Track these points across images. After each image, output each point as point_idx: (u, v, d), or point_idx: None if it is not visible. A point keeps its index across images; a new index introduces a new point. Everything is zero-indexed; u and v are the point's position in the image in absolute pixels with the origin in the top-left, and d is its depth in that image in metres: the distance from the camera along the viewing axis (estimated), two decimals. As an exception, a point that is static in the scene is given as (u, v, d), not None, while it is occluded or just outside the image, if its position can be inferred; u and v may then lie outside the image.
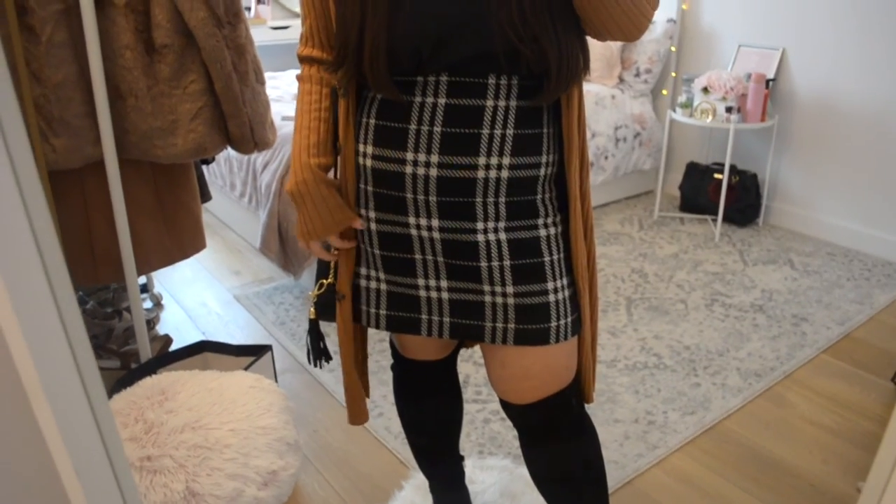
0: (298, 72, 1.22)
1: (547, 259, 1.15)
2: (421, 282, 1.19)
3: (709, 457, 1.99)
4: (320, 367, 1.40)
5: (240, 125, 1.84)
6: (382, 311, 1.24)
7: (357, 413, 1.40)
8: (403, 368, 1.49)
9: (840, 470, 1.94)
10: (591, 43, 1.09)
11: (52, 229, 0.66)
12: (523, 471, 1.89)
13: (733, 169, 3.62)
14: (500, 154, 1.08)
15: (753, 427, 2.12)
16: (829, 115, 3.39)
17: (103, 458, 0.76)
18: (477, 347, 1.68)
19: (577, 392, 1.29)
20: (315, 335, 1.39)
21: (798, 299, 2.90)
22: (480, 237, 1.12)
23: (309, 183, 1.17)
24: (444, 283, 1.18)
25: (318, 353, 1.39)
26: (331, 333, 1.40)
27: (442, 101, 1.07)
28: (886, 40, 3.11)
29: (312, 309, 1.35)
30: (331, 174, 1.24)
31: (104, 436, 0.76)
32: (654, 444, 2.03)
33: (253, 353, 1.98)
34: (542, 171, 1.14)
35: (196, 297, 2.99)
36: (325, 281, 1.32)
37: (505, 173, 1.09)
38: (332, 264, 1.30)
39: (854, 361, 2.47)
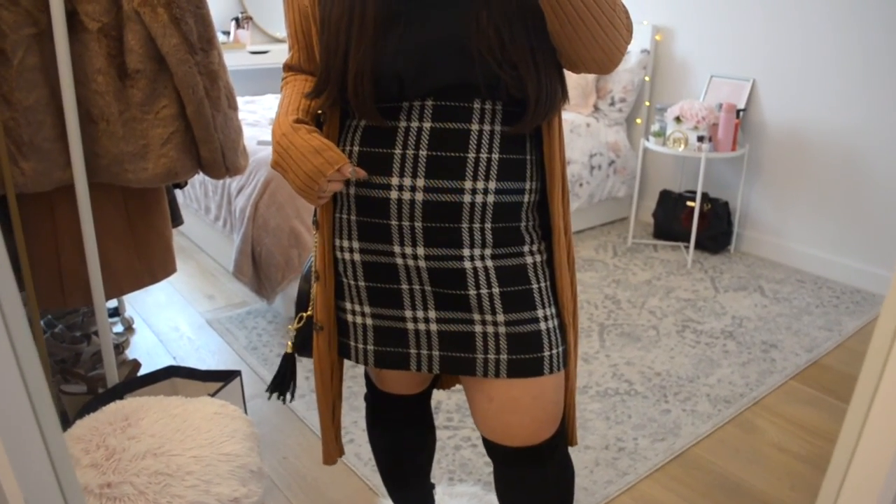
0: (277, 96, 1.23)
1: (535, 286, 1.15)
2: (408, 313, 1.17)
3: (678, 483, 2.00)
4: (283, 402, 1.38)
5: (211, 150, 1.84)
6: (370, 347, 1.21)
7: (332, 452, 1.38)
8: (378, 400, 1.48)
9: (808, 497, 1.95)
10: (567, 72, 1.12)
11: (2, 250, 0.65)
12: (492, 498, 1.88)
13: (705, 197, 3.68)
14: (486, 178, 1.09)
15: (723, 453, 2.13)
16: (797, 144, 3.47)
17: (55, 486, 0.75)
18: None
19: (563, 436, 1.28)
20: (288, 369, 1.35)
21: (768, 326, 2.93)
22: (467, 264, 1.11)
23: (289, 134, 1.10)
24: (432, 314, 1.16)
25: (285, 387, 1.36)
26: (310, 376, 1.38)
27: (427, 125, 1.07)
28: (853, 73, 3.19)
29: (290, 343, 1.31)
30: None
31: (55, 464, 0.75)
32: (623, 470, 2.04)
33: (221, 378, 1.96)
34: (526, 198, 1.14)
35: (168, 321, 2.96)
36: (304, 314, 1.30)
37: (491, 198, 1.09)
38: (312, 297, 1.27)
39: (822, 388, 2.50)
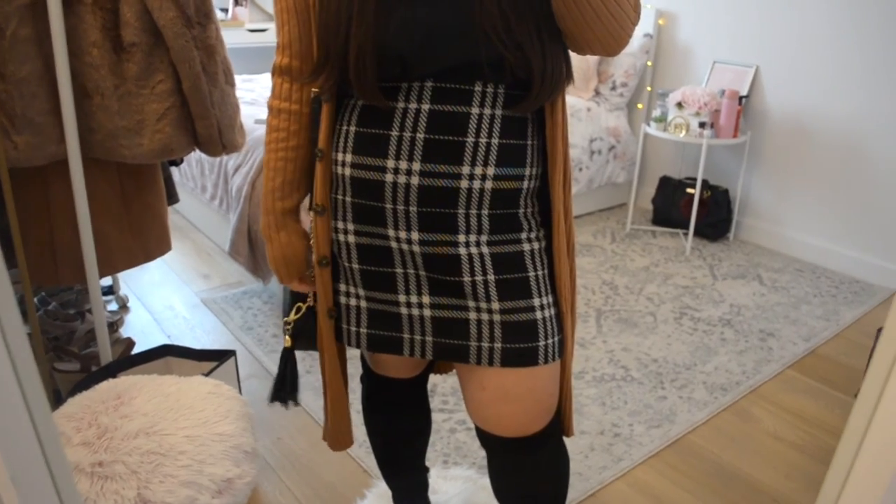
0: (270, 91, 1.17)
1: (532, 274, 1.11)
2: (402, 298, 1.15)
3: (673, 470, 1.99)
4: (286, 407, 1.34)
5: (208, 127, 1.82)
6: (363, 330, 1.19)
7: (341, 438, 1.35)
8: (373, 383, 1.46)
9: (803, 486, 1.95)
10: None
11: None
12: (487, 482, 1.87)
13: (705, 184, 3.66)
14: (485, 164, 1.05)
15: (718, 441, 2.13)
16: (799, 132, 3.44)
17: (42, 465, 0.74)
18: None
19: (558, 426, 1.25)
20: (289, 367, 1.32)
21: (765, 314, 2.92)
22: (462, 250, 1.08)
23: (271, 227, 1.19)
24: (426, 300, 1.13)
25: (289, 390, 1.32)
26: (311, 370, 1.36)
27: (426, 106, 1.03)
28: (857, 61, 3.16)
29: (288, 337, 1.28)
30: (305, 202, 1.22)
31: (43, 441, 0.73)
32: (619, 456, 2.03)
33: (216, 357, 1.95)
34: (526, 184, 1.11)
35: (163, 299, 2.94)
36: (302, 304, 1.27)
37: (489, 184, 1.06)
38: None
39: (819, 377, 2.49)
